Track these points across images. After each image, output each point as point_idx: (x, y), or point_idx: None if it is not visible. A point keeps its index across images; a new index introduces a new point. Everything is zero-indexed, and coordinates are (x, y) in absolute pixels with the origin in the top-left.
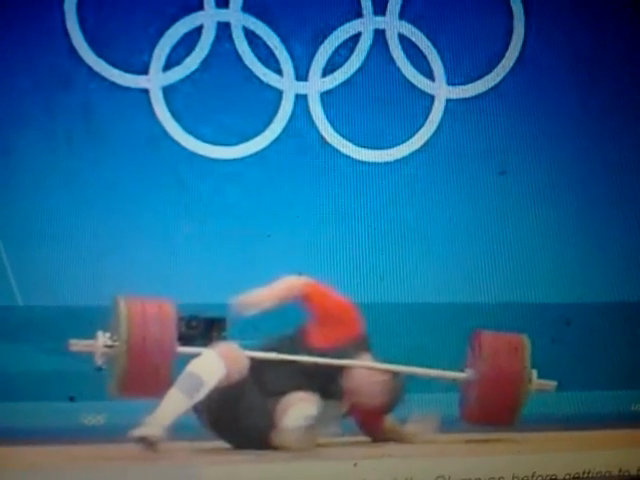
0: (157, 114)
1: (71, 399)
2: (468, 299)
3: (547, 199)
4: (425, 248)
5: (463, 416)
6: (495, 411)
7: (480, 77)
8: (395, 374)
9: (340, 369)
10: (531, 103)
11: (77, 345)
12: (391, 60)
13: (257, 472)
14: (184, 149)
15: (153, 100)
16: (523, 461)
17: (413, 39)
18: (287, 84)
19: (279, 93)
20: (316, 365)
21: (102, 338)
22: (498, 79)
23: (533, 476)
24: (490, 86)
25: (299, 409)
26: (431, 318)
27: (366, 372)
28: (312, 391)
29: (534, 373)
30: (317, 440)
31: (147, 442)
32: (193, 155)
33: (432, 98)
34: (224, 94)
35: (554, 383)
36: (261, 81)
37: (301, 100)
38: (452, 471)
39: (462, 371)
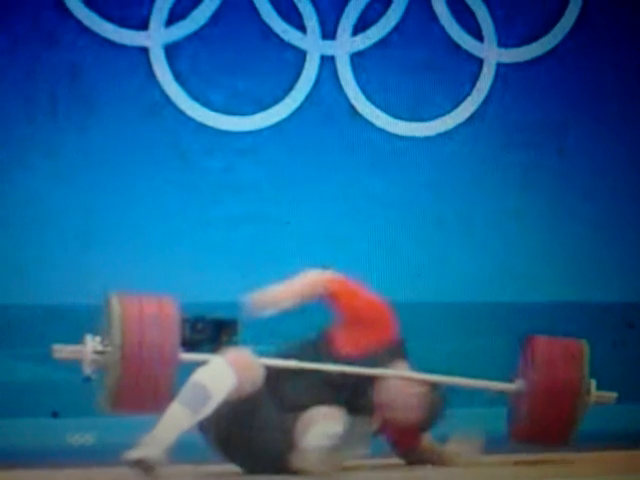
0: (158, 77)
1: (54, 415)
2: (519, 298)
3: (612, 184)
4: (469, 239)
5: (512, 434)
6: (548, 428)
7: (536, 39)
8: (434, 385)
9: (371, 380)
10: (593, 69)
11: (62, 351)
12: (433, 17)
13: None
14: (190, 119)
15: (153, 60)
16: None
17: None
18: (311, 43)
19: (302, 54)
20: (343, 375)
21: (91, 343)
22: (556, 41)
23: None
24: (547, 49)
25: (322, 427)
26: (476, 320)
27: (401, 383)
28: (338, 405)
29: (593, 383)
30: (343, 463)
31: (144, 466)
32: (200, 126)
33: (481, 62)
34: (237, 54)
35: (615, 395)
36: (281, 39)
37: (328, 62)
38: None
39: (511, 382)
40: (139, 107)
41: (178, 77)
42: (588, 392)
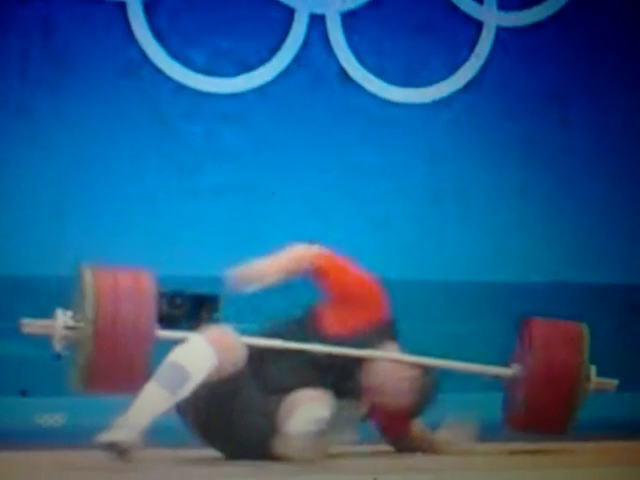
0: (136, 34)
1: (23, 393)
2: (516, 278)
3: (618, 157)
4: (465, 214)
5: (507, 421)
6: (546, 415)
7: (538, 2)
8: (426, 369)
9: (359, 362)
10: (598, 34)
11: (30, 326)
12: None
13: None
14: (169, 79)
15: (131, 16)
16: (578, 476)
17: None
18: (300, 0)
19: (289, 12)
20: (330, 356)
21: (62, 317)
22: (559, 5)
23: None
24: (550, 13)
25: (308, 410)
26: (471, 300)
27: (391, 366)
28: (324, 388)
29: (593, 369)
30: (329, 449)
31: (117, 449)
32: (181, 87)
33: (480, 25)
34: (220, 11)
35: (616, 382)
36: None
37: (317, 21)
38: None
39: (507, 366)
40: (115, 66)
41: (157, 34)
42: (588, 378)
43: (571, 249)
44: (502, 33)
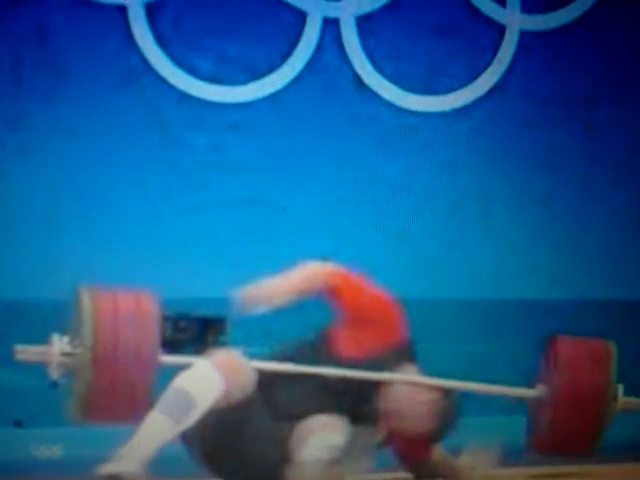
0: (137, 39)
1: (17, 424)
2: (541, 294)
3: None
4: (487, 227)
5: (532, 445)
6: (571, 437)
7: (563, 4)
8: (446, 391)
9: (375, 385)
10: (625, 38)
11: (25, 353)
12: None
13: None
14: (173, 88)
15: (132, 20)
16: None
17: None
18: (313, 3)
19: (302, 15)
20: (344, 380)
21: (59, 343)
22: (585, 7)
23: None
24: (575, 16)
25: (321, 438)
26: (493, 319)
27: (409, 389)
28: (339, 414)
29: (620, 389)
30: (344, 478)
31: None
32: (185, 96)
33: (502, 29)
34: (227, 14)
35: None
36: None
37: (331, 25)
38: None
39: (532, 387)
40: (115, 74)
41: (160, 40)
42: (615, 398)
43: (598, 264)
44: (526, 37)
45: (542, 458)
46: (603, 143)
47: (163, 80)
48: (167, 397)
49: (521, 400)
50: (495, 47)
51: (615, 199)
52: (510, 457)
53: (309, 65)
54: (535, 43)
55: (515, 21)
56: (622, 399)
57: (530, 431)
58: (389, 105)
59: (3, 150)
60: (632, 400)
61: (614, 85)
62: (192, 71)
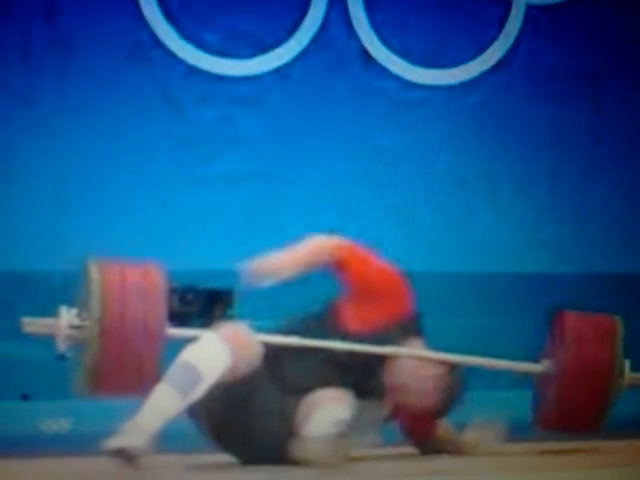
0: (145, 14)
1: (24, 398)
2: (547, 268)
3: None
4: (494, 202)
5: (538, 420)
6: (577, 413)
7: None
8: (452, 366)
9: (382, 359)
10: (633, 12)
11: (32, 325)
12: None
13: None
14: (181, 62)
15: None
16: (611, 476)
17: None
18: None
19: None
20: (351, 354)
21: (66, 316)
22: None
23: None
24: None
25: (327, 412)
26: (499, 293)
27: (415, 363)
28: (345, 388)
29: (627, 364)
30: (350, 452)
31: (126, 455)
32: (193, 70)
33: (509, 3)
34: None
35: None
36: None
37: (337, 0)
38: None
39: (537, 362)
40: (124, 49)
41: (168, 15)
42: (621, 374)
43: (604, 238)
44: (532, 10)
45: (548, 434)
46: (609, 118)
47: (172, 55)
48: (174, 370)
49: (527, 375)
50: (501, 21)
51: (620, 174)
52: (516, 432)
53: (316, 39)
54: (541, 17)
55: None
56: (629, 375)
57: (536, 407)
58: (396, 79)
59: (13, 126)
60: (638, 375)
61: (620, 60)
62: (200, 45)
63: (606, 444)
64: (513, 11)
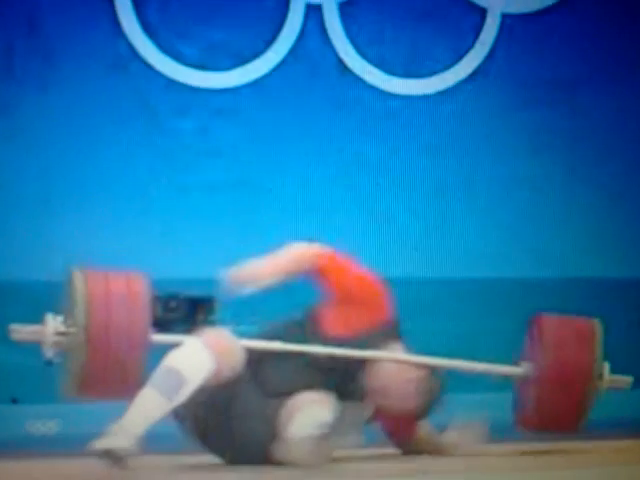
0: (124, 27)
1: (14, 401)
2: (526, 273)
3: (630, 145)
4: (471, 208)
5: (518, 421)
6: (557, 415)
7: None
8: (432, 369)
9: (363, 363)
10: (608, 20)
11: (20, 332)
12: None
13: None
14: (160, 75)
15: (119, 8)
16: (591, 476)
17: None
18: None
19: (285, 1)
20: (332, 358)
21: (52, 323)
22: None
23: None
24: None
25: (310, 414)
26: (479, 298)
27: (396, 367)
28: (327, 391)
29: (606, 367)
30: (332, 453)
31: (113, 457)
32: (171, 83)
33: (484, 12)
34: (212, 2)
35: (630, 379)
36: None
37: (314, 11)
38: None
39: (517, 365)
40: (103, 61)
41: (146, 27)
42: (601, 376)
43: (583, 242)
44: (508, 19)
45: (529, 435)
46: (586, 124)
47: (150, 67)
48: (158, 375)
49: (507, 378)
50: (477, 30)
51: (598, 179)
52: (496, 434)
53: (293, 51)
54: (517, 26)
55: (496, 4)
56: (608, 377)
57: (516, 408)
58: (373, 89)
59: None
60: (618, 378)
61: (596, 67)
62: (178, 58)
63: (586, 445)
64: (489, 20)
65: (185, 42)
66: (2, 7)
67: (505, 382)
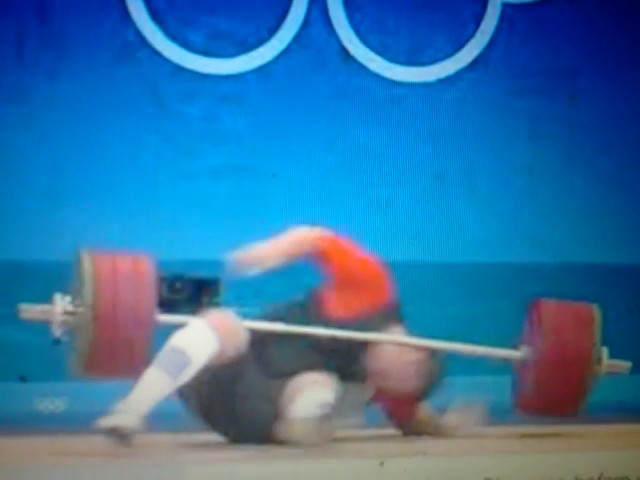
0: (132, 15)
1: (22, 379)
2: (525, 258)
3: (628, 134)
4: (472, 194)
5: (517, 405)
6: (556, 398)
7: None
8: (432, 352)
9: (364, 345)
10: (607, 9)
11: (29, 311)
12: None
13: (258, 472)
14: (167, 61)
15: None
16: (589, 459)
17: None
18: None
19: None
20: (334, 340)
21: (61, 303)
22: None
23: (600, 478)
24: None
25: (312, 394)
26: (479, 282)
27: (396, 349)
28: (328, 372)
29: (605, 351)
30: (334, 433)
31: (119, 434)
32: (178, 69)
33: (485, 1)
34: None
35: (629, 364)
36: None
37: (318, 0)
38: (502, 473)
39: (516, 349)
40: (112, 49)
41: (154, 16)
42: (599, 361)
43: (581, 228)
44: (508, 9)
45: (527, 418)
46: (585, 112)
47: (158, 54)
48: (164, 355)
49: (506, 361)
50: (478, 19)
51: (596, 166)
52: (495, 416)
53: (297, 38)
54: (517, 15)
55: None
56: (606, 362)
57: (515, 392)
58: (375, 76)
59: (7, 122)
60: (617, 363)
61: (595, 56)
62: (185, 45)
63: (584, 428)
64: (489, 10)
65: (192, 29)
66: None
67: (504, 365)
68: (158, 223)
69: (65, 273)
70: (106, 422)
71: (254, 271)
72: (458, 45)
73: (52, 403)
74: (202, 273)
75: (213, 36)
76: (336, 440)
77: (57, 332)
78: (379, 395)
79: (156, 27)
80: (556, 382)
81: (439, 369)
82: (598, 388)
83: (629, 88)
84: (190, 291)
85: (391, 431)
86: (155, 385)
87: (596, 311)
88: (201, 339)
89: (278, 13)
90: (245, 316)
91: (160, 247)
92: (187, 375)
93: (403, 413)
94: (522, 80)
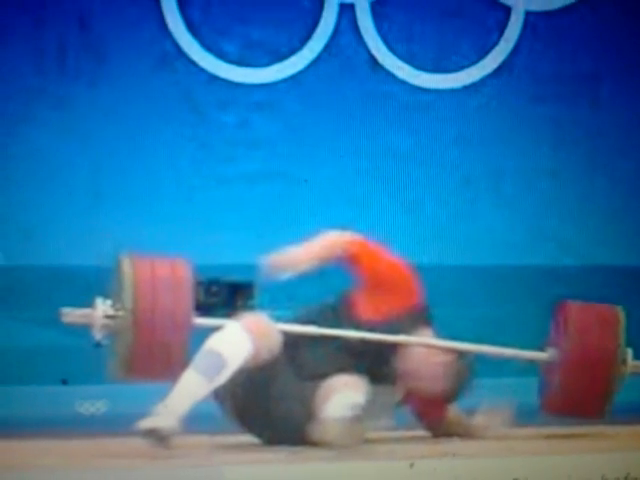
0: (170, 26)
1: (64, 382)
2: (551, 261)
3: None
4: (498, 198)
5: (543, 406)
6: (582, 399)
7: None
8: (461, 354)
9: (394, 347)
10: (628, 16)
11: (71, 315)
12: None
13: (291, 473)
14: (202, 71)
15: (165, 9)
16: (615, 460)
17: None
18: None
19: (320, 1)
20: (364, 342)
21: (102, 307)
22: None
23: (627, 478)
24: None
25: (343, 396)
26: (505, 285)
27: (426, 351)
28: (359, 374)
29: (629, 353)
30: (365, 435)
31: (157, 436)
32: (213, 78)
33: (508, 10)
34: (252, 2)
35: None
36: None
37: (347, 10)
38: (529, 473)
39: (543, 350)
40: (150, 58)
41: (190, 27)
42: (624, 362)
43: (605, 231)
44: (531, 17)
45: (554, 419)
46: (607, 117)
47: (194, 64)
48: (200, 357)
49: (532, 363)
50: (502, 27)
51: (619, 170)
52: (522, 417)
53: (327, 48)
54: (540, 23)
55: (520, 2)
56: (631, 363)
57: (542, 393)
58: (403, 83)
59: (50, 129)
60: None
61: (616, 62)
62: (220, 55)
63: (610, 429)
64: (513, 17)
65: (226, 40)
66: (55, 7)
67: (531, 367)
68: (195, 228)
69: (105, 277)
70: (145, 424)
71: (287, 275)
72: (483, 52)
73: (93, 406)
74: (237, 277)
75: (247, 46)
76: (367, 441)
77: (98, 336)
78: (409, 397)
79: (192, 38)
80: (582, 383)
81: (468, 371)
82: (623, 389)
83: None
84: (225, 295)
85: (421, 433)
86: (192, 387)
87: (620, 313)
88: (236, 342)
89: (309, 23)
90: (278, 319)
91: (196, 251)
92: (223, 377)
93: (433, 415)
94: (545, 86)
